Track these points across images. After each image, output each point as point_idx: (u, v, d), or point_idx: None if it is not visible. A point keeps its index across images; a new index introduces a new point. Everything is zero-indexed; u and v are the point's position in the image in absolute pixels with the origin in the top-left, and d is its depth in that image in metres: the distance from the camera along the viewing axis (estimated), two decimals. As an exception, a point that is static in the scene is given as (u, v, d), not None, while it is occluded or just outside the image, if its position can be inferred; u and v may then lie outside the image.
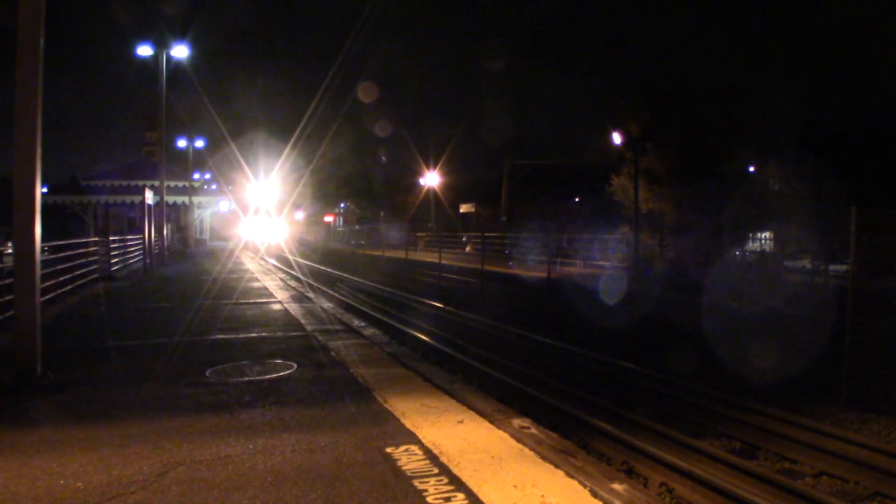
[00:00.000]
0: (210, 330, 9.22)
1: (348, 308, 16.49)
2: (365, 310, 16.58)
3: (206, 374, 6.41)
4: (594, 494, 3.59)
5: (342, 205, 69.58)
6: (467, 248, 36.51)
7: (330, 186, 55.26)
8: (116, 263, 19.02)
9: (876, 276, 13.27)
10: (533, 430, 4.93)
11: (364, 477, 3.78)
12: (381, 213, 55.32)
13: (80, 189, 35.33)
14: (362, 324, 12.89)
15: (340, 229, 68.25)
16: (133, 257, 22.54)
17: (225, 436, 4.51)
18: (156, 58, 24.00)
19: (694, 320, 12.52)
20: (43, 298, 6.77)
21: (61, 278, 12.39)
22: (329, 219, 68.55)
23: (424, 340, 12.39)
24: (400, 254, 35.78)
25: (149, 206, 22.01)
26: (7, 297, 7.67)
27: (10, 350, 6.17)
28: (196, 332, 9.11)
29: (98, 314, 10.87)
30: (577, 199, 44.35)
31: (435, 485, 3.67)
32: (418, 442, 4.38)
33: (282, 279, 19.01)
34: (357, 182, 55.62)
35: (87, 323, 10.10)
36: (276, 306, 12.14)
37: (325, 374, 6.46)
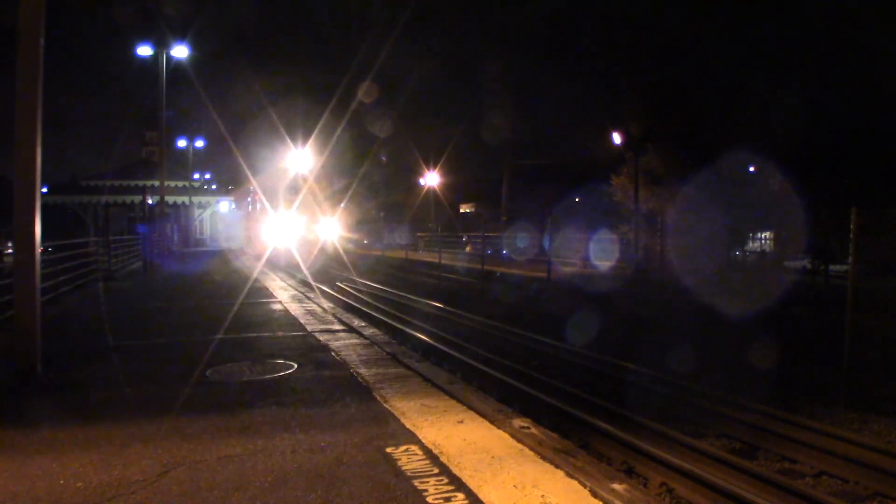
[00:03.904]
0: (210, 330, 9.21)
1: (348, 308, 16.48)
2: (364, 309, 16.58)
3: (206, 374, 6.42)
4: (594, 494, 3.59)
5: (341, 205, 69.41)
6: (467, 249, 36.53)
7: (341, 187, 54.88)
8: (116, 263, 19.03)
9: (876, 276, 13.27)
10: (533, 430, 4.93)
11: (364, 477, 3.78)
12: (381, 214, 55.29)
13: (80, 189, 35.37)
14: (362, 323, 12.88)
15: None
16: (133, 257, 22.55)
17: (225, 436, 4.51)
18: (156, 58, 24.01)
19: (692, 322, 12.52)
20: (43, 298, 6.76)
21: (61, 278, 12.40)
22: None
23: (424, 340, 12.39)
24: (400, 254, 35.77)
25: (149, 206, 22.02)
26: (7, 297, 7.67)
27: (10, 350, 6.17)
28: (196, 331, 9.12)
29: (98, 314, 10.87)
30: (577, 199, 44.36)
31: (435, 485, 3.67)
32: (418, 442, 4.38)
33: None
34: (358, 182, 55.49)
35: (88, 323, 10.10)
36: (277, 306, 12.14)
37: (325, 374, 6.47)
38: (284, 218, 29.13)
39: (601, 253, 26.05)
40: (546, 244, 29.54)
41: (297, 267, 25.76)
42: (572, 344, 11.66)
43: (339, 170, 52.48)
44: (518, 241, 31.53)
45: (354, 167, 52.02)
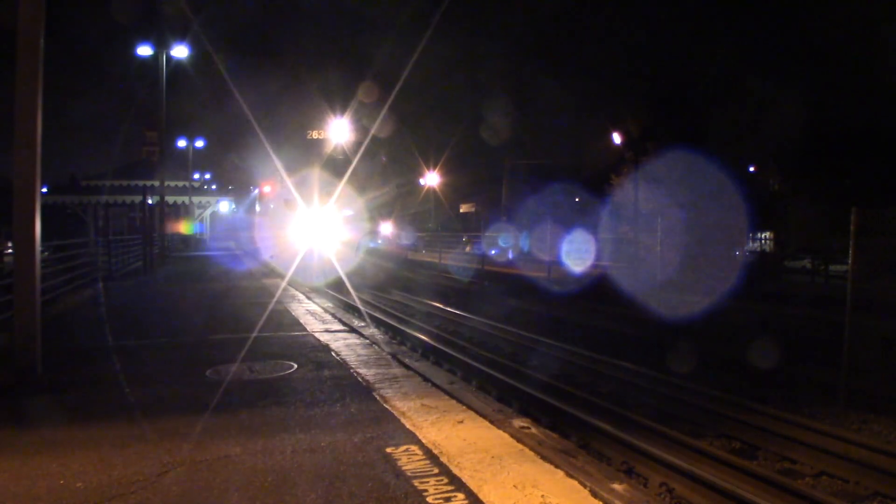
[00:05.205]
0: (210, 329, 9.22)
1: (348, 307, 16.48)
2: (365, 309, 16.58)
3: (206, 373, 6.42)
4: (594, 494, 3.59)
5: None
6: (467, 248, 36.52)
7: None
8: (116, 263, 19.02)
9: (875, 277, 13.28)
10: (533, 430, 4.94)
11: (364, 477, 3.78)
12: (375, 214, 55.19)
13: (80, 189, 35.34)
14: (362, 324, 12.89)
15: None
16: (133, 257, 22.53)
17: (225, 436, 4.51)
18: (156, 58, 24.00)
19: (692, 322, 12.51)
20: (43, 298, 6.76)
21: (61, 278, 12.39)
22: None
23: (424, 340, 12.39)
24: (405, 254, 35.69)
25: (149, 206, 22.01)
26: (7, 297, 7.67)
27: (10, 350, 6.17)
28: (196, 331, 9.11)
29: (98, 314, 10.86)
30: (576, 199, 44.40)
31: (435, 485, 3.67)
32: (418, 442, 4.38)
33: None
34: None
35: (87, 323, 10.09)
36: (277, 306, 12.13)
37: (325, 373, 6.46)
38: (311, 215, 24.78)
39: (602, 253, 26.03)
40: (524, 245, 29.55)
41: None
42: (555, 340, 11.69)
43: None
44: (501, 241, 31.71)
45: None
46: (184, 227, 41.66)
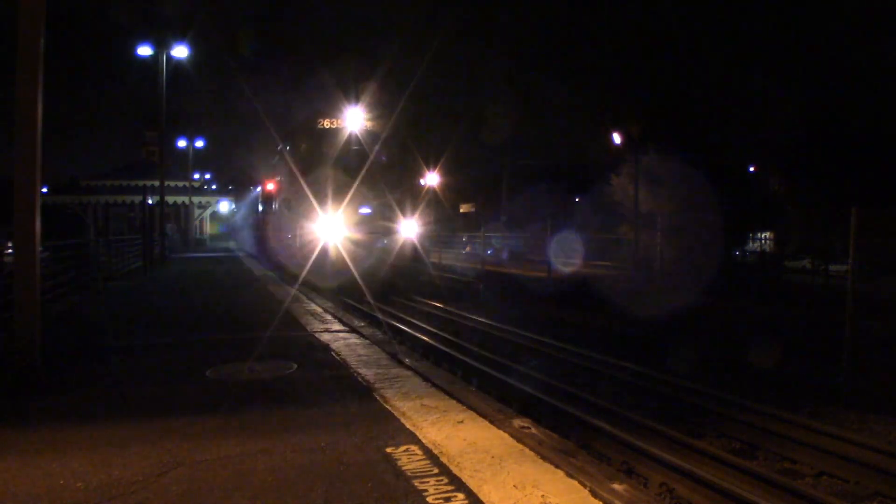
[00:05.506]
0: (210, 329, 9.22)
1: (348, 307, 16.49)
2: (365, 309, 16.57)
3: (206, 373, 6.41)
4: (594, 494, 3.59)
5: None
6: (467, 248, 36.52)
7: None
8: (116, 263, 19.01)
9: (876, 276, 13.27)
10: (533, 430, 4.93)
11: (364, 477, 3.78)
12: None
13: (80, 189, 35.38)
14: (362, 323, 12.88)
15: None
16: (133, 257, 22.53)
17: (225, 436, 4.51)
18: (156, 58, 23.99)
19: (691, 321, 12.52)
20: (43, 298, 6.76)
21: (61, 278, 12.38)
22: None
23: (424, 340, 12.40)
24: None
25: (149, 206, 22.00)
26: (7, 297, 7.67)
27: (10, 350, 6.17)
28: (196, 331, 9.11)
29: (98, 314, 10.87)
30: (577, 199, 44.41)
31: (435, 485, 3.67)
32: (418, 442, 4.38)
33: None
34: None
35: (87, 323, 10.09)
36: (278, 306, 12.13)
37: (325, 373, 6.46)
38: (317, 213, 23.27)
39: (600, 254, 26.03)
40: (517, 246, 29.50)
41: None
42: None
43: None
44: (494, 242, 31.84)
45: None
46: (210, 228, 42.54)
